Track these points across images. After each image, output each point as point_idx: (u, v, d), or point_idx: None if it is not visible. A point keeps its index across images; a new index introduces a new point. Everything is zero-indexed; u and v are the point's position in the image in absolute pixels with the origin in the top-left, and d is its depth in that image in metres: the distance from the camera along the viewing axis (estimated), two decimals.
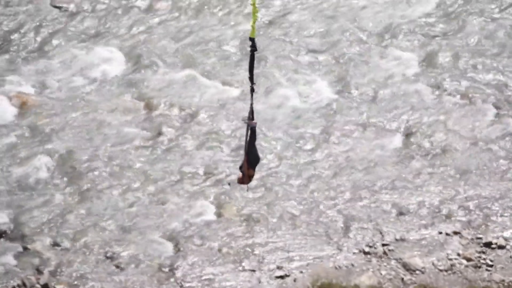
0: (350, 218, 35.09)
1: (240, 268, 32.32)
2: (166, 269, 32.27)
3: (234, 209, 35.81)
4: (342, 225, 34.73)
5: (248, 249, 33.38)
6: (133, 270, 32.12)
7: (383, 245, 33.53)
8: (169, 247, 33.53)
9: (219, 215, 35.63)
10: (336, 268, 32.10)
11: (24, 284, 30.39)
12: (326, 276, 29.30)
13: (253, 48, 14.94)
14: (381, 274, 31.69)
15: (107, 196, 36.09)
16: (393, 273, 31.87)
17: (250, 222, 34.89)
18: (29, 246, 33.11)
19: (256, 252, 33.22)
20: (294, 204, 35.85)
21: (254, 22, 15.02)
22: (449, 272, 31.94)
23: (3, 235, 33.74)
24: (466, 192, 36.48)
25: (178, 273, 31.99)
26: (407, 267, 32.15)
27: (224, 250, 33.48)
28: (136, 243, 33.59)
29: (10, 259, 32.28)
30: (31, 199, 35.67)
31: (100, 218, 34.86)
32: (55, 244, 33.37)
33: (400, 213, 35.51)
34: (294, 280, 31.43)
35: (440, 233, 34.39)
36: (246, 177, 16.69)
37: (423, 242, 33.93)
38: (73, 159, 38.09)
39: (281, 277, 31.77)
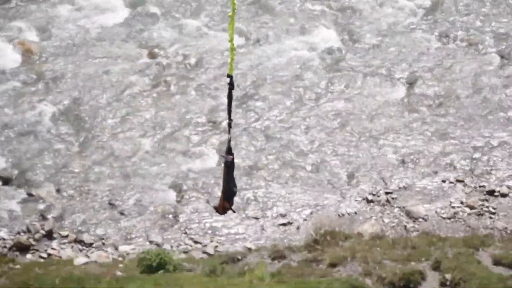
0: (353, 167, 34.71)
1: (244, 215, 31.99)
2: (170, 216, 31.91)
3: (236, 160, 35.37)
4: (345, 174, 34.38)
5: (251, 197, 33.03)
6: (137, 217, 31.78)
7: (386, 193, 33.13)
8: (172, 194, 33.17)
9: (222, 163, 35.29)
10: (339, 216, 31.74)
11: (28, 230, 30.05)
12: (329, 224, 28.88)
13: (231, 85, 14.80)
14: (384, 222, 31.33)
15: (110, 144, 35.67)
16: (396, 221, 31.48)
17: (254, 170, 34.54)
18: (33, 193, 32.74)
19: (260, 200, 32.87)
20: (298, 153, 35.50)
21: (232, 60, 14.73)
22: (452, 219, 31.52)
23: (8, 181, 33.36)
24: (470, 140, 36.04)
25: (182, 220, 31.64)
26: (410, 215, 31.75)
27: None
28: (140, 191, 33.22)
29: (15, 206, 31.93)
30: (35, 146, 35.23)
31: (104, 166, 34.49)
32: (59, 191, 33.01)
33: (403, 162, 35.11)
34: (297, 228, 31.11)
35: (444, 181, 33.97)
36: (221, 209, 16.82)
37: (426, 190, 33.51)
38: (77, 107, 37.65)
39: (284, 224, 31.44)
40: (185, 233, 30.87)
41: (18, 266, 25.52)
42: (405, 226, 31.04)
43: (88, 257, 28.45)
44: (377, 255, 25.94)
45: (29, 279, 23.92)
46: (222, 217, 31.88)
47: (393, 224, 31.25)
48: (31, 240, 29.55)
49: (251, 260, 26.65)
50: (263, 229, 31.17)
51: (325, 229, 28.14)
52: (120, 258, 28.33)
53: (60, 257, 28.35)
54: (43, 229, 30.07)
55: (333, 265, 25.55)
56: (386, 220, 31.44)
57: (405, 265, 24.96)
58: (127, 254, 29.02)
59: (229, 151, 15.44)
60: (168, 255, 25.47)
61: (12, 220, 31.01)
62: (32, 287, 23.35)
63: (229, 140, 15.33)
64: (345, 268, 25.30)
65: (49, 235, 29.96)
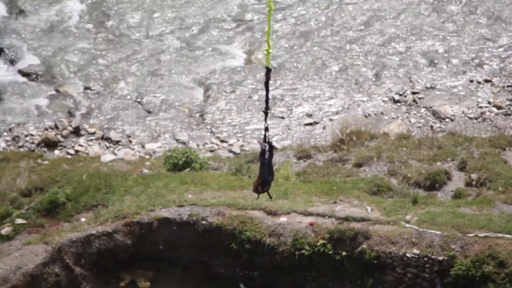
0: (381, 67, 33.78)
1: (270, 115, 31.24)
2: (196, 115, 31.30)
3: (261, 56, 34.50)
4: (373, 74, 33.50)
5: (278, 96, 32.28)
6: (164, 114, 31.19)
7: (413, 93, 32.23)
8: (199, 93, 32.53)
9: (248, 61, 34.45)
10: (365, 116, 30.95)
11: (56, 127, 29.64)
12: (355, 123, 28.07)
13: (268, 76, 14.44)
14: (410, 122, 30.48)
15: (138, 42, 34.89)
16: (422, 121, 30.63)
17: (281, 70, 33.69)
18: (61, 89, 32.24)
19: (286, 99, 32.12)
20: (325, 53, 34.52)
21: (268, 52, 14.23)
22: (479, 119, 30.61)
23: (36, 78, 32.80)
24: (499, 39, 34.77)
25: (208, 119, 31.03)
26: (436, 115, 30.85)
27: (254, 97, 32.38)
28: (167, 89, 32.58)
29: (43, 101, 31.48)
30: (62, 43, 34.52)
31: (131, 64, 33.79)
32: (87, 88, 32.43)
33: (431, 62, 34.11)
34: (323, 128, 30.39)
35: (471, 81, 32.94)
36: (255, 192, 16.23)
37: (453, 90, 32.55)
38: (104, 5, 36.78)
39: (310, 124, 30.73)
40: (212, 132, 30.30)
41: (46, 162, 25.15)
42: (432, 126, 30.21)
43: (115, 154, 28.07)
44: (403, 155, 25.25)
45: (56, 175, 23.61)
46: (248, 116, 31.28)
47: (420, 124, 30.42)
48: (58, 137, 29.17)
49: (276, 159, 26.06)
50: (289, 129, 30.51)
51: (351, 129, 27.40)
52: (147, 156, 27.92)
53: (87, 153, 27.99)
54: (70, 125, 29.63)
55: (358, 165, 24.97)
56: (413, 120, 30.61)
57: (431, 165, 24.30)
58: (154, 152, 28.58)
59: (265, 139, 14.96)
60: (194, 154, 25.01)
61: (40, 117, 30.59)
62: (59, 183, 23.05)
63: (266, 128, 14.81)
64: (371, 168, 24.71)
65: (76, 132, 29.56)
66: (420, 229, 20.04)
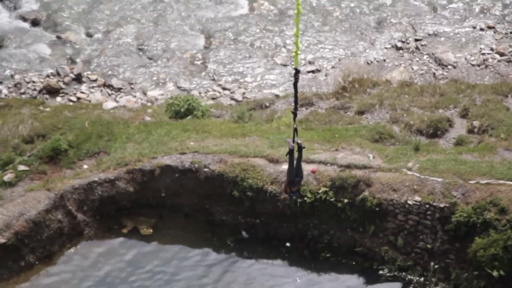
0: (383, 14, 33.23)
1: (272, 62, 30.87)
2: (198, 62, 30.85)
3: (267, 3, 33.93)
4: (375, 21, 32.96)
5: (280, 43, 31.80)
6: (166, 62, 30.76)
7: (416, 40, 31.74)
8: (201, 40, 32.05)
9: (252, 9, 33.90)
10: (368, 63, 30.50)
11: (58, 73, 29.23)
12: (357, 71, 27.62)
13: (297, 77, 14.30)
14: (412, 69, 30.06)
15: None
16: (425, 68, 30.18)
17: (283, 17, 33.15)
18: (62, 36, 31.74)
19: (289, 47, 31.61)
20: (327, 0, 34.06)
21: (296, 54, 13.97)
22: (482, 66, 30.17)
23: (37, 24, 32.30)
24: None
25: (210, 66, 30.60)
26: (439, 62, 30.40)
27: (256, 44, 31.89)
28: (169, 36, 32.09)
29: (44, 48, 31.03)
30: None
31: (133, 10, 33.23)
32: (88, 35, 31.95)
33: (434, 8, 33.55)
34: (326, 75, 29.98)
35: (474, 27, 32.41)
36: (285, 191, 16.01)
37: (456, 37, 32.02)
38: None
39: (313, 71, 30.31)
40: (214, 79, 29.89)
41: (48, 109, 24.87)
42: (434, 73, 29.79)
43: (117, 101, 27.72)
44: (405, 102, 24.92)
45: (58, 122, 23.37)
46: (250, 64, 30.85)
47: (422, 71, 29.99)
48: (60, 84, 28.79)
49: (278, 107, 25.80)
50: (291, 76, 30.05)
51: (353, 76, 26.99)
52: (149, 103, 27.59)
53: (89, 101, 27.65)
54: (72, 72, 29.23)
55: (360, 112, 24.66)
56: (415, 67, 30.18)
57: (433, 112, 24.00)
58: (156, 99, 28.23)
59: (294, 139, 14.72)
60: (196, 101, 24.71)
61: (41, 63, 30.17)
62: (62, 130, 22.83)
63: (295, 129, 14.51)
64: (373, 115, 24.41)
65: (78, 79, 29.16)
66: (422, 176, 19.86)
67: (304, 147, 15.15)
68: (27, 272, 19.23)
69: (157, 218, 21.13)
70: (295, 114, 14.76)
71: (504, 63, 30.24)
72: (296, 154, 15.23)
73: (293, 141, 14.89)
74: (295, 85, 14.36)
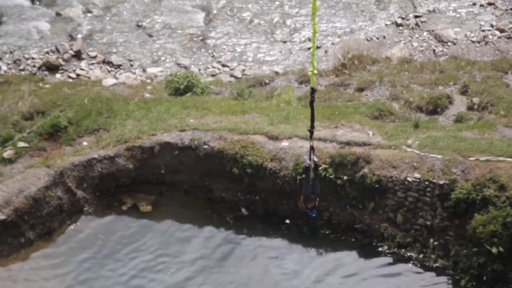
0: None
1: (272, 39, 30.60)
2: (198, 39, 30.56)
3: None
4: None
5: (279, 20, 31.50)
6: (165, 39, 30.46)
7: (416, 16, 31.42)
8: (201, 17, 31.72)
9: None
10: (367, 40, 30.20)
11: (57, 50, 28.96)
12: (357, 48, 27.36)
13: (313, 96, 14.21)
14: (412, 46, 29.78)
15: None
16: (424, 44, 29.90)
17: None
18: (62, 12, 31.44)
19: (288, 23, 31.32)
20: None
21: (313, 74, 13.77)
22: (482, 43, 29.88)
23: (36, 0, 32.01)
24: None
25: (210, 43, 30.32)
26: (439, 39, 30.10)
27: (256, 21, 31.59)
28: (168, 13, 31.78)
29: (44, 24, 30.74)
30: None
31: None
32: (88, 11, 31.63)
33: None
34: (325, 52, 29.68)
35: (474, 4, 32.07)
36: (301, 208, 15.79)
37: (456, 13, 31.71)
38: None
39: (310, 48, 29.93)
40: (213, 56, 29.62)
41: (47, 86, 24.65)
42: (434, 50, 29.52)
43: (116, 78, 27.47)
44: (405, 79, 24.73)
45: (58, 99, 23.18)
46: (250, 41, 30.58)
47: (422, 48, 29.72)
48: (60, 60, 28.51)
49: (278, 84, 25.58)
50: (290, 53, 29.81)
51: (353, 53, 26.76)
52: (148, 80, 27.35)
53: (89, 77, 27.40)
54: (71, 49, 28.96)
55: (360, 89, 24.47)
56: (415, 44, 29.90)
57: (433, 89, 23.80)
58: (155, 76, 27.99)
59: (310, 157, 14.47)
60: (195, 78, 24.48)
61: (41, 40, 29.89)
62: (61, 107, 22.65)
63: (311, 147, 14.25)
64: (372, 92, 24.22)
65: (77, 56, 28.89)
66: (422, 153, 19.71)
67: (321, 166, 14.87)
68: (27, 248, 19.15)
69: (156, 195, 21.02)
70: (311, 132, 14.50)
71: (504, 39, 29.97)
72: (312, 172, 14.91)
73: (310, 159, 14.64)
74: (311, 103, 14.16)
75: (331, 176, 19.67)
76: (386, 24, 31.07)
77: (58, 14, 31.27)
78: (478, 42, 29.85)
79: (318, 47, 29.96)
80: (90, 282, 18.44)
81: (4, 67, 28.01)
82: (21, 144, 21.03)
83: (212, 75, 28.01)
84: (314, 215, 15.29)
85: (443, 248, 18.98)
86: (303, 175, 14.58)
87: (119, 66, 28.59)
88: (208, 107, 22.49)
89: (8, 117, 22.12)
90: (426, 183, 19.16)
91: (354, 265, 19.31)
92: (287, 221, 20.45)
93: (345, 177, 19.69)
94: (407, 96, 23.33)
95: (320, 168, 19.51)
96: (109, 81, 26.16)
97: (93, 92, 23.97)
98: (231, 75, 28.14)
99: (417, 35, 30.38)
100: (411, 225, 19.41)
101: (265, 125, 21.24)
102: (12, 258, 18.81)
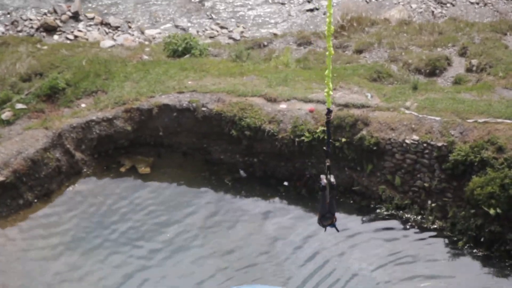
0: None
1: (270, 1, 30.10)
2: (196, 1, 30.06)
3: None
4: None
5: None
6: (163, 1, 29.94)
7: None
8: None
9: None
10: (366, 1, 29.77)
11: (55, 11, 28.46)
12: (356, 9, 26.93)
13: (329, 117, 13.68)
14: (411, 7, 29.34)
15: None
16: (423, 6, 29.45)
17: None
18: None
19: None
20: None
21: (328, 94, 13.31)
22: (480, 4, 29.46)
23: None
24: None
25: (208, 5, 29.86)
26: (438, 0, 29.66)
27: None
28: None
29: None
30: None
31: None
32: None
33: None
34: (324, 14, 29.23)
35: None
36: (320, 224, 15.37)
37: None
38: None
39: (311, 10, 29.57)
40: (211, 18, 29.16)
41: (45, 47, 24.28)
42: (433, 12, 29.09)
43: (114, 40, 27.04)
44: (404, 41, 24.40)
45: (56, 60, 22.89)
46: (249, 2, 30.10)
47: (421, 9, 29.27)
48: (57, 22, 28.02)
49: (276, 46, 25.23)
50: (289, 15, 29.36)
51: (352, 15, 26.35)
52: (147, 42, 26.95)
53: (87, 39, 26.96)
54: (69, 10, 28.48)
55: (359, 51, 24.14)
56: (414, 6, 29.45)
57: (432, 51, 23.51)
58: (154, 38, 27.57)
59: (327, 175, 14.11)
60: (194, 40, 24.12)
61: (39, 1, 29.36)
62: (59, 68, 22.37)
63: (328, 166, 13.95)
64: (371, 54, 23.90)
65: (75, 17, 28.39)
66: (420, 115, 19.47)
67: (336, 185, 14.58)
68: (25, 210, 18.99)
69: (155, 157, 20.82)
70: (328, 152, 14.20)
71: (504, 0, 29.52)
72: (328, 191, 14.61)
73: (326, 178, 14.38)
74: (327, 124, 13.83)
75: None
76: None
77: None
78: (477, 3, 29.41)
79: (316, 9, 29.56)
80: (88, 242, 18.30)
81: (1, 28, 27.54)
82: (19, 105, 20.80)
83: (211, 37, 27.58)
84: (336, 229, 15.07)
85: (441, 210, 18.83)
86: (320, 192, 14.39)
87: (117, 27, 28.14)
88: (207, 69, 22.21)
89: (6, 79, 21.87)
90: (424, 145, 18.94)
91: (351, 226, 19.16)
92: (286, 183, 20.29)
93: (344, 139, 19.46)
94: (406, 58, 23.06)
95: (318, 131, 19.36)
96: (107, 42, 25.77)
97: (91, 53, 23.66)
98: (230, 37, 27.72)
99: None
100: (409, 187, 19.24)
101: (263, 87, 20.97)
102: (11, 219, 18.66)
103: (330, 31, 12.62)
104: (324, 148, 14.69)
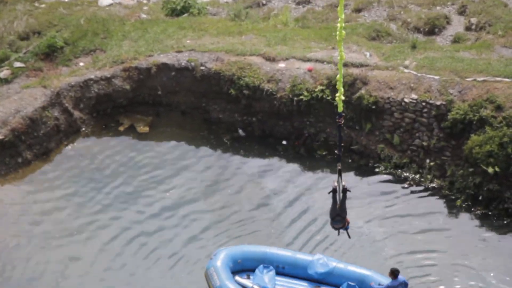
0: None
1: None
2: None
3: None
4: None
5: None
6: None
7: None
8: None
9: None
10: None
11: None
12: None
13: (340, 121, 13.47)
14: None
15: None
16: None
17: None
18: None
19: None
20: None
21: (340, 99, 13.05)
22: None
23: None
24: None
25: None
26: None
27: None
28: None
29: None
30: None
31: None
32: None
33: None
34: None
35: None
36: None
37: None
38: None
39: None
40: None
41: (43, 6, 23.91)
42: None
43: None
44: None
45: (54, 19, 22.61)
46: None
47: None
48: None
49: (275, 5, 24.84)
50: None
51: None
52: (145, 1, 26.48)
53: None
54: None
55: (358, 10, 23.78)
56: None
57: (431, 9, 23.17)
58: None
59: (338, 180, 13.81)
60: None
61: None
62: (57, 27, 22.07)
63: (339, 171, 13.69)
64: (370, 13, 23.55)
65: None
66: (419, 74, 19.23)
67: (349, 191, 14.33)
68: (24, 168, 18.84)
69: (153, 116, 20.64)
70: (339, 156, 13.97)
71: None
72: (340, 195, 14.38)
73: (337, 182, 14.15)
74: (338, 128, 13.66)
75: (328, 98, 19.19)
76: None
77: None
78: None
79: None
80: (88, 199, 18.17)
81: None
82: (18, 64, 20.60)
83: None
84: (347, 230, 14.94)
85: (439, 168, 18.67)
86: (331, 197, 14.23)
87: None
88: (205, 28, 21.91)
89: (4, 37, 21.66)
90: (423, 104, 18.71)
91: (349, 185, 18.94)
92: (284, 142, 20.11)
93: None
94: (405, 17, 22.74)
95: (317, 90, 19.13)
96: (105, 1, 25.31)
97: (89, 12, 23.37)
98: None
99: None
100: (407, 146, 19.05)
101: (262, 46, 20.69)
102: (10, 178, 18.54)
103: (342, 35, 12.40)
104: (336, 151, 14.55)
